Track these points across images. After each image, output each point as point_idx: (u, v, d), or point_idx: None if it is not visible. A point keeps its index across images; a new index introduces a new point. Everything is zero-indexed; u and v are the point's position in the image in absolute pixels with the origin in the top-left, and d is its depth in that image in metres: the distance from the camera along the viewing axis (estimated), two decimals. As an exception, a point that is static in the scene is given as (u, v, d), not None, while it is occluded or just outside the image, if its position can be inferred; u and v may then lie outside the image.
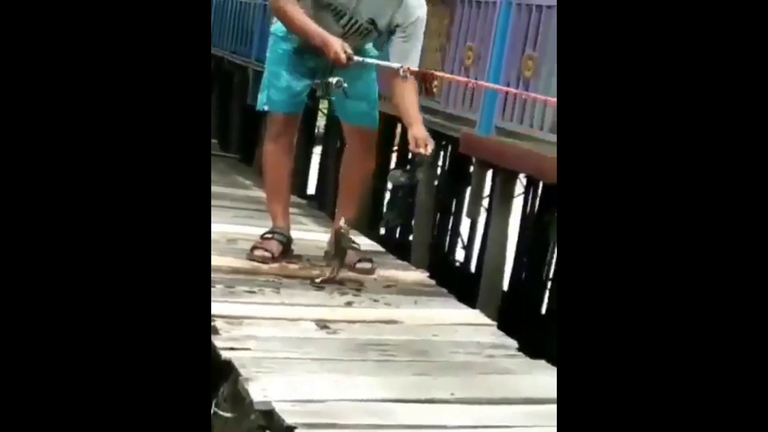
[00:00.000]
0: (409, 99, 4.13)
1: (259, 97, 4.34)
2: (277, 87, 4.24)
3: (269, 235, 4.35)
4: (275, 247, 4.30)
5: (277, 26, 4.25)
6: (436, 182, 6.00)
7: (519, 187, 5.81)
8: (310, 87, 4.31)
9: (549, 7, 4.64)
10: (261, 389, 2.96)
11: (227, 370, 3.20)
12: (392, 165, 7.30)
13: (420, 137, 4.00)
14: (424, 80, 5.13)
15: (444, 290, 4.38)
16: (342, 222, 4.21)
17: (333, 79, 3.99)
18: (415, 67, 4.13)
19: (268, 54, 4.32)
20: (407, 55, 4.09)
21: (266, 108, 4.30)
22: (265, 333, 3.49)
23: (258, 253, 4.27)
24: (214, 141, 7.44)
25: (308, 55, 4.17)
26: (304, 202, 6.08)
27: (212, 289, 3.82)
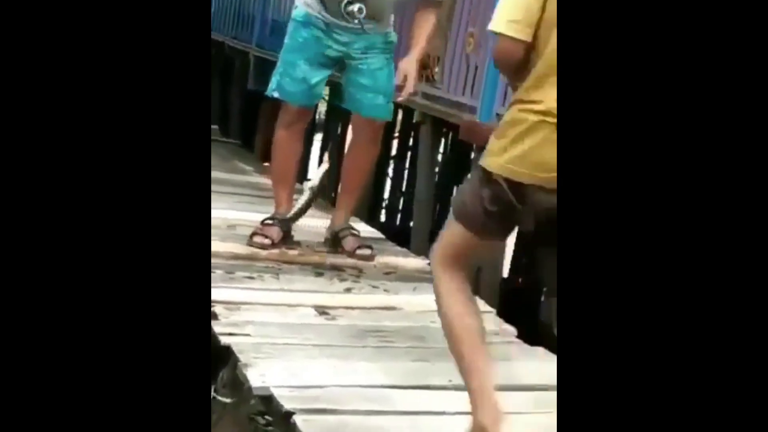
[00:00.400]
0: (422, 26, 4.08)
1: (270, 82, 4.31)
2: (292, 77, 4.19)
3: (270, 221, 4.35)
4: (275, 233, 4.30)
5: (297, 11, 4.21)
6: (436, 169, 5.99)
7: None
8: (328, 78, 4.28)
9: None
10: (259, 375, 2.96)
11: (226, 355, 3.20)
12: (393, 152, 7.29)
13: (403, 70, 3.92)
14: (424, 67, 5.12)
15: (443, 277, 4.38)
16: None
17: (354, 6, 3.97)
18: None
19: (286, 40, 4.26)
20: None
21: (276, 95, 4.27)
22: (264, 318, 3.50)
23: (257, 239, 4.27)
24: (214, 127, 7.43)
25: (331, 42, 4.14)
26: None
27: (212, 274, 3.83)
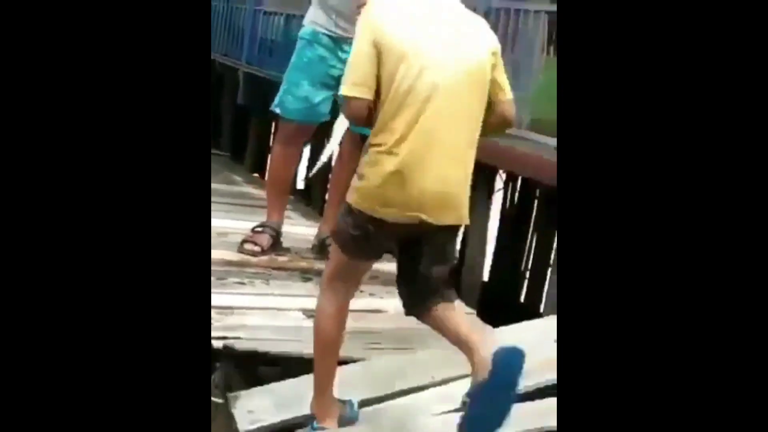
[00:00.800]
0: None
1: (276, 97, 4.26)
2: (294, 95, 4.15)
3: (260, 229, 4.35)
4: (265, 240, 4.30)
5: (305, 29, 4.16)
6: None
7: (498, 182, 5.80)
8: (332, 98, 4.14)
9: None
10: (248, 412, 2.95)
11: (219, 358, 3.19)
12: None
13: None
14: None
15: (427, 281, 4.38)
16: None
17: None
18: None
19: (293, 58, 4.19)
20: None
21: (277, 110, 4.24)
22: (255, 322, 3.49)
23: (248, 246, 4.26)
24: (206, 140, 7.45)
25: (335, 61, 4.07)
26: (292, 197, 6.07)
27: (204, 280, 3.82)
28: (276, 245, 4.34)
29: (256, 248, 4.25)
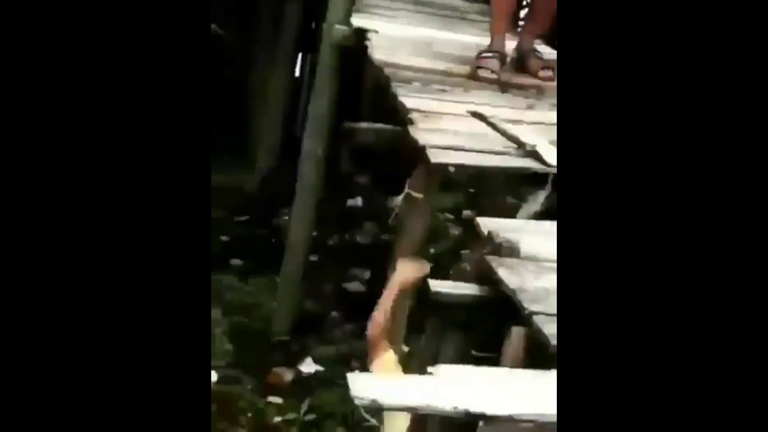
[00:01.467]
0: None
1: None
2: None
3: (488, 54, 4.30)
4: (496, 65, 4.28)
5: None
6: None
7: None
8: None
9: None
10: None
11: (421, 155, 3.30)
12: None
13: None
14: None
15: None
16: None
17: None
18: None
19: None
20: None
21: None
22: (453, 126, 3.55)
23: (483, 73, 4.24)
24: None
25: None
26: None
27: (409, 85, 3.93)
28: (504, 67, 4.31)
29: (493, 75, 4.23)
